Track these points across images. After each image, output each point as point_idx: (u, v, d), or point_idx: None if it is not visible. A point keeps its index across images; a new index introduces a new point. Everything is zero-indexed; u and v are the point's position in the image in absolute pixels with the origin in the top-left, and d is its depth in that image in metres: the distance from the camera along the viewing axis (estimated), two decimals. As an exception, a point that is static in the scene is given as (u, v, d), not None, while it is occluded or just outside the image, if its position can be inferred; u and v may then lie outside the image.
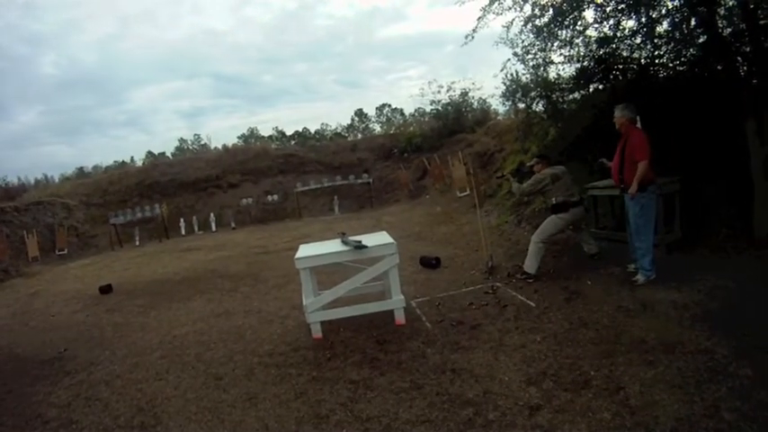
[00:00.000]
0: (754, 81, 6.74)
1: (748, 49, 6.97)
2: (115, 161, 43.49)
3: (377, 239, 6.27)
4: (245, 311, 7.50)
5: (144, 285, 10.56)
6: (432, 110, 24.39)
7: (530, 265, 7.12)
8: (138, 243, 19.71)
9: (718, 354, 4.25)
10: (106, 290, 10.21)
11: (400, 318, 5.98)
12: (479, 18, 8.54)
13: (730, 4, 7.08)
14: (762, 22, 6.66)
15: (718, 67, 7.31)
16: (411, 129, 26.90)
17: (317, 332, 5.88)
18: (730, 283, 5.74)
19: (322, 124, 62.11)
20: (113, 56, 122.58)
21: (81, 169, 41.05)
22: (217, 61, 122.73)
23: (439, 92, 23.73)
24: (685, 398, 3.67)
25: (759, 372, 3.88)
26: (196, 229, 21.16)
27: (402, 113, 50.85)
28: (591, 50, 8.84)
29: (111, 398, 5.06)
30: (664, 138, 6.76)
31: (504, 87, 10.91)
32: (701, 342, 4.51)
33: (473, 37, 8.81)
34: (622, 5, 8.02)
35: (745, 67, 7.10)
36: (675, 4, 7.59)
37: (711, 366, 4.07)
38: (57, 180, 32.53)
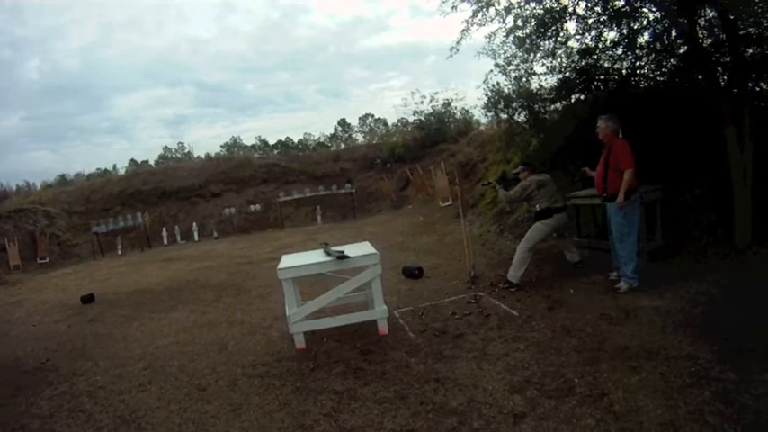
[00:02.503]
0: (734, 90, 6.82)
1: (728, 59, 7.06)
2: (98, 169, 43.26)
3: (359, 250, 6.26)
4: (228, 322, 7.44)
5: (126, 295, 10.47)
6: (415, 120, 24.52)
7: (514, 274, 7.13)
8: (120, 252, 19.64)
9: (701, 359, 4.28)
10: (88, 299, 10.09)
11: (383, 328, 5.97)
12: (463, 31, 8.55)
13: (710, 15, 7.14)
14: (742, 32, 6.75)
15: (699, 77, 7.39)
16: (394, 139, 26.94)
17: (300, 343, 5.84)
18: (712, 288, 5.80)
19: (305, 134, 62.36)
20: (97, 62, 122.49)
21: (63, 176, 40.72)
22: (200, 69, 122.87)
23: (422, 102, 23.91)
24: (669, 403, 3.68)
25: (742, 375, 3.91)
26: (178, 238, 21.10)
27: (385, 124, 50.93)
28: (573, 61, 8.92)
29: (94, 409, 4.99)
30: (645, 147, 6.82)
31: (487, 98, 10.95)
32: (683, 347, 4.54)
33: (458, 50, 8.83)
34: (604, 17, 8.09)
35: (725, 77, 7.17)
36: (656, 15, 7.66)
37: (695, 371, 4.09)
38: (38, 187, 32.12)
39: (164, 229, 21.29)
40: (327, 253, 6.17)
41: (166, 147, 62.02)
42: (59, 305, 10.28)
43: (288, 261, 6.29)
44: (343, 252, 6.00)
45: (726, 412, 3.48)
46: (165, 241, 20.90)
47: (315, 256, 6.30)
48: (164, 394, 5.12)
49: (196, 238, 20.97)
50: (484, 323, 5.95)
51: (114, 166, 43.86)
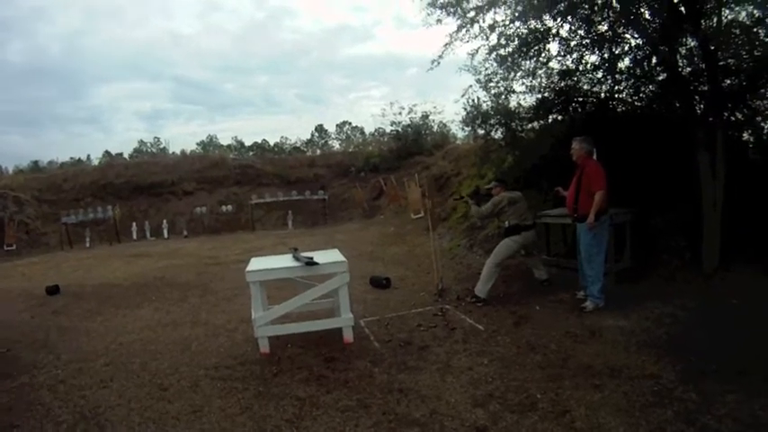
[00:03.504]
0: (710, 119, 6.95)
1: (706, 89, 7.19)
2: (71, 158, 42.60)
3: (328, 257, 6.24)
4: (192, 322, 7.37)
5: (92, 289, 10.33)
6: (392, 130, 24.60)
7: (481, 288, 7.15)
8: (88, 245, 19.47)
9: (664, 378, 4.34)
10: (53, 291, 9.95)
11: (348, 336, 5.93)
12: (446, 44, 8.61)
13: (691, 44, 7.28)
14: (721, 63, 6.88)
15: (676, 104, 7.53)
16: (370, 148, 27.08)
17: (264, 347, 5.78)
18: (678, 311, 5.91)
19: (282, 137, 62.12)
20: (79, 49, 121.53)
21: (36, 163, 40.03)
22: (180, 65, 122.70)
23: (400, 113, 24.04)
24: (631, 421, 3.71)
25: (704, 396, 3.97)
26: (148, 234, 20.94)
27: (362, 132, 51.11)
28: (552, 82, 8.98)
29: (54, 403, 4.89)
30: (619, 170, 6.90)
31: (465, 113, 10.92)
32: (647, 367, 4.59)
33: (439, 63, 8.90)
34: (586, 41, 8.16)
35: (701, 105, 7.31)
36: (638, 41, 7.76)
37: (657, 390, 4.14)
38: (10, 171, 31.47)
39: (134, 224, 21.12)
40: (296, 258, 6.12)
41: (142, 141, 61.27)
42: (24, 294, 10.13)
43: (256, 264, 6.26)
44: (311, 258, 5.96)
45: (687, 432, 3.52)
46: (135, 236, 20.74)
47: (283, 261, 6.27)
48: (125, 392, 5.03)
49: (166, 235, 20.81)
50: (449, 336, 5.95)
51: (88, 156, 43.11)
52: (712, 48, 6.71)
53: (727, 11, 6.83)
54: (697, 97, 7.35)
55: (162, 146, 51.88)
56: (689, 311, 5.85)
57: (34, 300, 9.55)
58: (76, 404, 4.83)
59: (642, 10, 7.33)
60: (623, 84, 8.57)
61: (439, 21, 8.41)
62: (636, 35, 7.68)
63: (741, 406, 3.80)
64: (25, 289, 10.73)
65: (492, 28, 8.27)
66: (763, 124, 7.70)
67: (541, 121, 9.85)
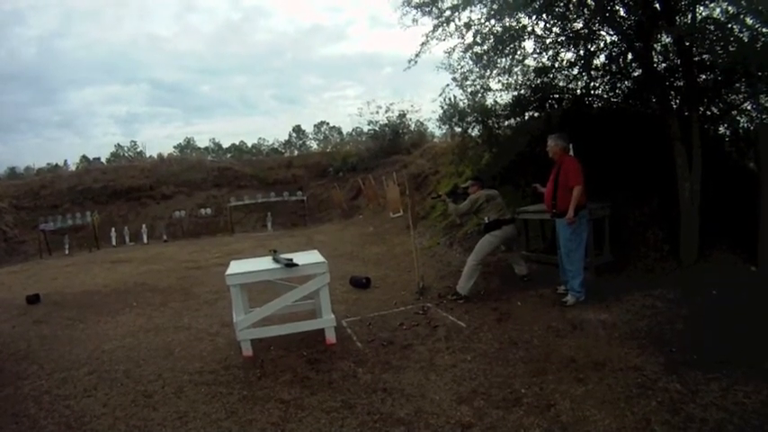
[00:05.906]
0: (686, 113, 7.03)
1: (681, 84, 7.30)
2: (48, 163, 42.11)
3: (308, 258, 6.22)
4: (174, 327, 7.30)
5: (72, 297, 10.16)
6: (369, 130, 24.59)
7: (463, 286, 7.16)
8: (67, 252, 19.19)
9: (647, 370, 4.38)
10: (33, 300, 9.76)
11: (331, 337, 5.92)
12: (423, 44, 8.59)
13: (666, 41, 7.38)
14: (696, 58, 6.97)
15: (652, 99, 7.60)
16: (347, 148, 27.10)
17: (247, 350, 5.75)
18: (658, 302, 5.95)
19: (259, 139, 61.98)
20: (54, 52, 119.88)
21: (13, 169, 39.39)
22: (156, 67, 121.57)
23: (377, 112, 24.02)
24: (616, 413, 3.74)
25: (688, 386, 4.02)
26: (127, 239, 20.71)
27: (340, 132, 51.21)
28: (528, 79, 9.00)
29: (39, 414, 4.80)
30: (596, 165, 6.97)
31: (442, 111, 10.95)
32: (630, 359, 4.63)
33: (416, 62, 8.86)
34: (562, 38, 8.20)
35: (677, 100, 7.41)
36: (613, 38, 7.83)
37: (641, 382, 4.18)
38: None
39: (113, 229, 20.88)
40: (276, 260, 6.09)
41: (119, 144, 60.97)
42: (4, 304, 9.91)
43: (236, 267, 6.22)
44: (291, 260, 5.94)
45: (672, 421, 3.56)
46: (114, 242, 20.48)
47: (263, 263, 6.24)
48: (109, 400, 4.96)
49: (145, 240, 20.63)
50: (431, 334, 5.95)
51: (65, 162, 42.66)
52: (687, 44, 6.78)
53: (702, 7, 6.92)
54: (673, 92, 7.45)
55: (139, 149, 51.56)
56: (669, 303, 5.90)
57: (15, 309, 9.35)
58: (62, 414, 4.75)
59: (617, 7, 7.38)
60: (599, 80, 8.65)
61: (415, 21, 8.39)
62: (611, 32, 7.74)
63: (725, 394, 3.86)
64: (5, 298, 10.53)
65: (468, 26, 8.26)
66: (738, 118, 7.84)
67: (518, 119, 9.88)
